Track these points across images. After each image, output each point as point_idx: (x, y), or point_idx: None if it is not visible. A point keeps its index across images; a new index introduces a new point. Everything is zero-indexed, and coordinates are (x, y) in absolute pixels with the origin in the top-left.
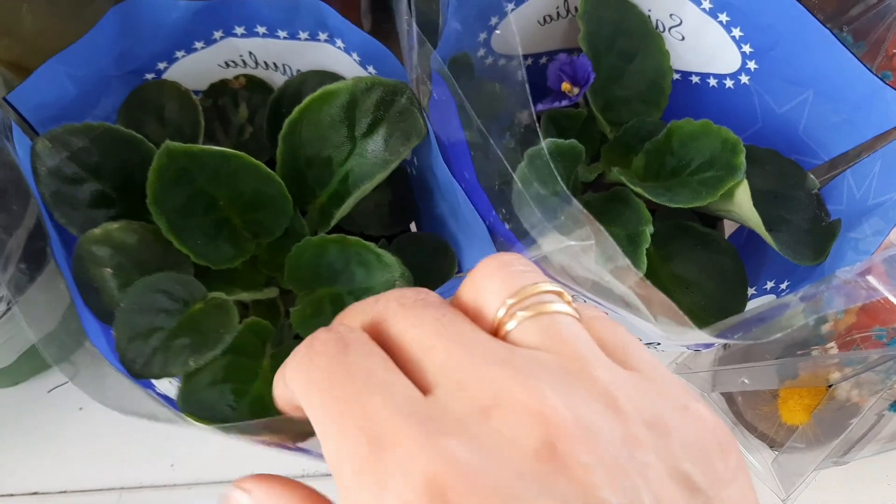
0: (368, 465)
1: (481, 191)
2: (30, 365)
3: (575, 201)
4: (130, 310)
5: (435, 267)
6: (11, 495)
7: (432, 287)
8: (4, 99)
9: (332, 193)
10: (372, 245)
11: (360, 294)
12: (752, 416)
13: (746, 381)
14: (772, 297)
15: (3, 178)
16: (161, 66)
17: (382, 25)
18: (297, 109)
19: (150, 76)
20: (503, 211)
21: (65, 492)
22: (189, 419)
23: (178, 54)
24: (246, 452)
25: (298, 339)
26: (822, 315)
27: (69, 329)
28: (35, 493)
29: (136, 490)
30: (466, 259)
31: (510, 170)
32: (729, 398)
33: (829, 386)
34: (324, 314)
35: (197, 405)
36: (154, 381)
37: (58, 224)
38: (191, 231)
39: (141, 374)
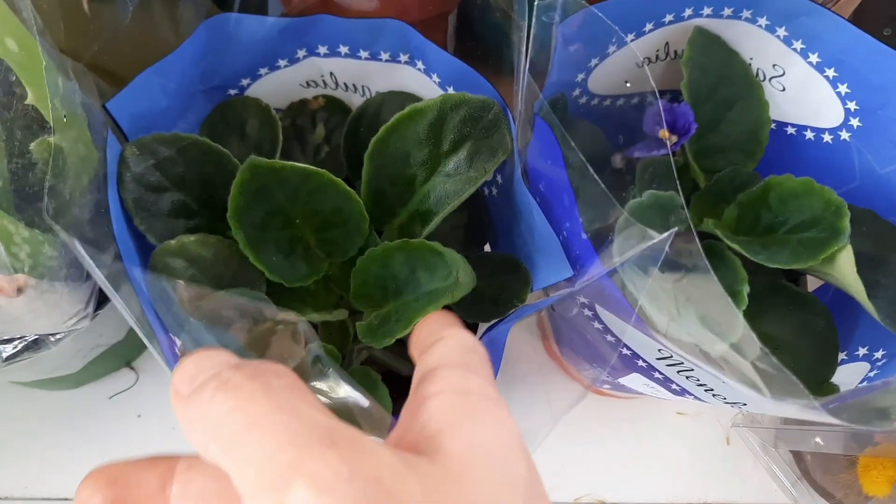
0: None
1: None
2: (94, 370)
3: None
4: (200, 324)
5: (506, 284)
6: (67, 500)
7: (504, 305)
8: (103, 106)
9: (413, 213)
10: (437, 245)
11: (423, 300)
12: (824, 479)
13: (820, 442)
14: (864, 364)
15: (102, 197)
16: (244, 82)
17: (466, 46)
18: (383, 128)
19: (233, 92)
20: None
21: None
22: None
23: (262, 71)
24: None
25: (368, 363)
26: None
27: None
28: None
29: None
30: (541, 278)
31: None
32: (797, 455)
33: None
34: (389, 323)
35: None
36: None
37: (135, 233)
38: (267, 247)
39: None
